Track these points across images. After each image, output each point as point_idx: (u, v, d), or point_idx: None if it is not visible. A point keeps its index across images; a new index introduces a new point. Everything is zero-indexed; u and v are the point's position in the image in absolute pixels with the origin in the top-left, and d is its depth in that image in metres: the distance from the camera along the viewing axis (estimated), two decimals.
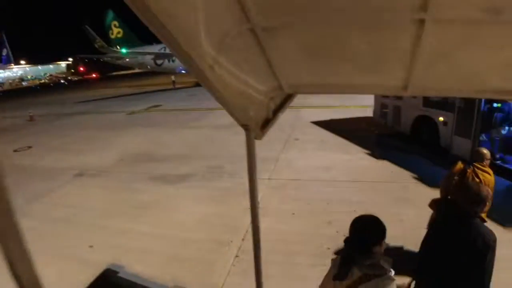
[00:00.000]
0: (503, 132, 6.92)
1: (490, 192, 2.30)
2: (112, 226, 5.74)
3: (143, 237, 5.31)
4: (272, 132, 1.96)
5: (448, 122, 7.95)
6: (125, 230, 5.57)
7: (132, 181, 7.86)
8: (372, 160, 8.33)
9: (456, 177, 3.66)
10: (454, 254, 2.16)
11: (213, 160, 8.93)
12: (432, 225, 2.85)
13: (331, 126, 11.76)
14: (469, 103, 7.30)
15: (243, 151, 1.92)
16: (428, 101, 8.74)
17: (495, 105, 7.00)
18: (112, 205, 6.62)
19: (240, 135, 1.99)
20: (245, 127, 1.81)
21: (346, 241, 1.78)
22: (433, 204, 3.69)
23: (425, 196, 6.05)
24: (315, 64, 1.51)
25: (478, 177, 3.54)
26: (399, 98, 9.94)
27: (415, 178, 6.98)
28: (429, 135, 8.76)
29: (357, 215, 1.82)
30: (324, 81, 1.67)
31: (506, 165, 6.83)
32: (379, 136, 10.53)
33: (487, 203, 2.24)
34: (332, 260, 1.94)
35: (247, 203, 2.06)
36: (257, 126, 1.86)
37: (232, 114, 1.67)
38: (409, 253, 4.18)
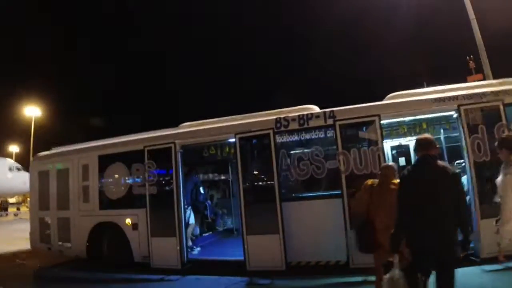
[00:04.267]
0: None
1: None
2: None
3: None
4: None
5: (140, 223, 5.83)
6: None
7: None
8: None
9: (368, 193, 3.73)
10: (434, 188, 2.70)
11: None
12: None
13: None
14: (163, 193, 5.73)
15: None
16: (107, 201, 6.36)
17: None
18: None
19: None
20: None
21: None
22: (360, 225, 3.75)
23: None
24: None
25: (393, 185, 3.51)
26: (66, 208, 6.91)
27: None
28: (114, 249, 6.19)
29: None
30: None
31: None
32: (40, 270, 7.13)
33: (437, 146, 2.95)
34: None
35: None
36: None
37: None
38: None
